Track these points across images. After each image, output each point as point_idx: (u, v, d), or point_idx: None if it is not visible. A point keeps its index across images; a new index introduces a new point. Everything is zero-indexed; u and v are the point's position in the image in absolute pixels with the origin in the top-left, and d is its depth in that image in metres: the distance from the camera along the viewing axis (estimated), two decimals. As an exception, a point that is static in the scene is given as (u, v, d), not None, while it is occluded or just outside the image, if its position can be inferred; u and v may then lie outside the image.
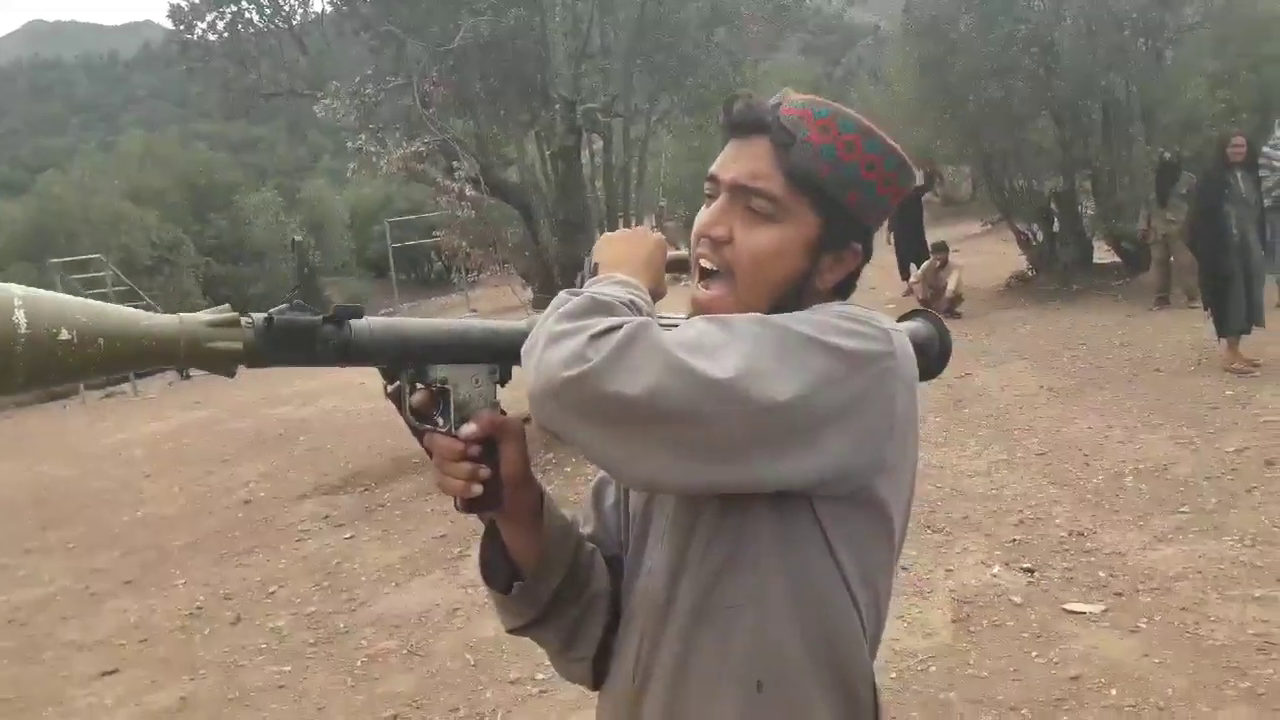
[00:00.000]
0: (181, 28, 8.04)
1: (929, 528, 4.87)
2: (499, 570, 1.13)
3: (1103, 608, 3.82)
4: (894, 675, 3.51)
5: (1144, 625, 3.63)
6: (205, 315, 0.89)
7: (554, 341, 0.89)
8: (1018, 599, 3.99)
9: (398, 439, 6.32)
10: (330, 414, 9.81)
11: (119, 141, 37.20)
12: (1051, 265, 11.76)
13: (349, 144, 7.42)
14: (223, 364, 0.91)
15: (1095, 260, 11.87)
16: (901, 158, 1.08)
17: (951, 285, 10.99)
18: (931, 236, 13.12)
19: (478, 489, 1.02)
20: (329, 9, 8.56)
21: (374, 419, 8.85)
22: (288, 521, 6.44)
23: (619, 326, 0.88)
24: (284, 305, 0.93)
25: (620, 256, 1.09)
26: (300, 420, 9.90)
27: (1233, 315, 6.85)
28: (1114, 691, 3.21)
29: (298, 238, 25.15)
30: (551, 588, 1.11)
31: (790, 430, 0.91)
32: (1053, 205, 11.90)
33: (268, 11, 8.09)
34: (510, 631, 1.17)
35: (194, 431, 10.47)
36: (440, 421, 1.02)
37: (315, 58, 8.61)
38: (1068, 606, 3.87)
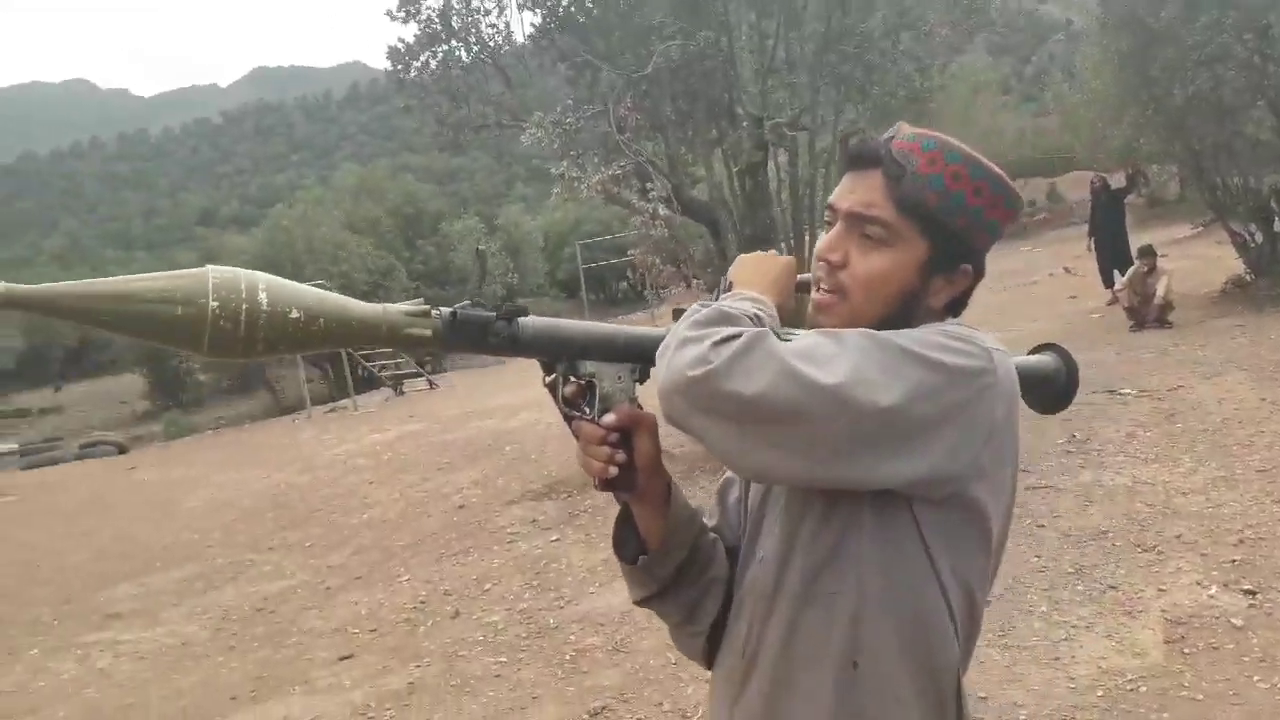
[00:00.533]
0: (399, 68, 8.73)
1: (1139, 546, 4.71)
2: (629, 546, 1.28)
3: (1335, 633, 3.61)
4: (1100, 694, 3.45)
5: (1382, 652, 3.42)
6: (404, 306, 1.10)
7: (683, 345, 1.03)
8: (1238, 621, 3.82)
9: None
10: (532, 426, 10.32)
11: (334, 176, 40.14)
12: (1272, 268, 10.90)
13: (552, 170, 7.85)
14: (416, 346, 1.12)
15: (1326, 264, 10.94)
16: (1006, 183, 1.18)
17: (1161, 292, 10.38)
18: (1137, 241, 12.44)
19: (614, 471, 1.17)
20: (528, 44, 9.03)
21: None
22: (499, 524, 6.88)
23: (740, 335, 1.01)
24: (466, 302, 1.13)
25: (751, 276, 1.23)
26: (506, 431, 10.48)
27: None
28: (1346, 719, 3.06)
29: (481, 247, 26.58)
30: (674, 565, 1.25)
31: (890, 434, 1.00)
32: (1273, 203, 11.04)
33: (475, 48, 8.65)
34: (636, 603, 1.32)
35: (410, 442, 11.26)
36: (586, 410, 1.19)
37: (517, 90, 9.14)
38: (1295, 631, 3.68)
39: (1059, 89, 23.08)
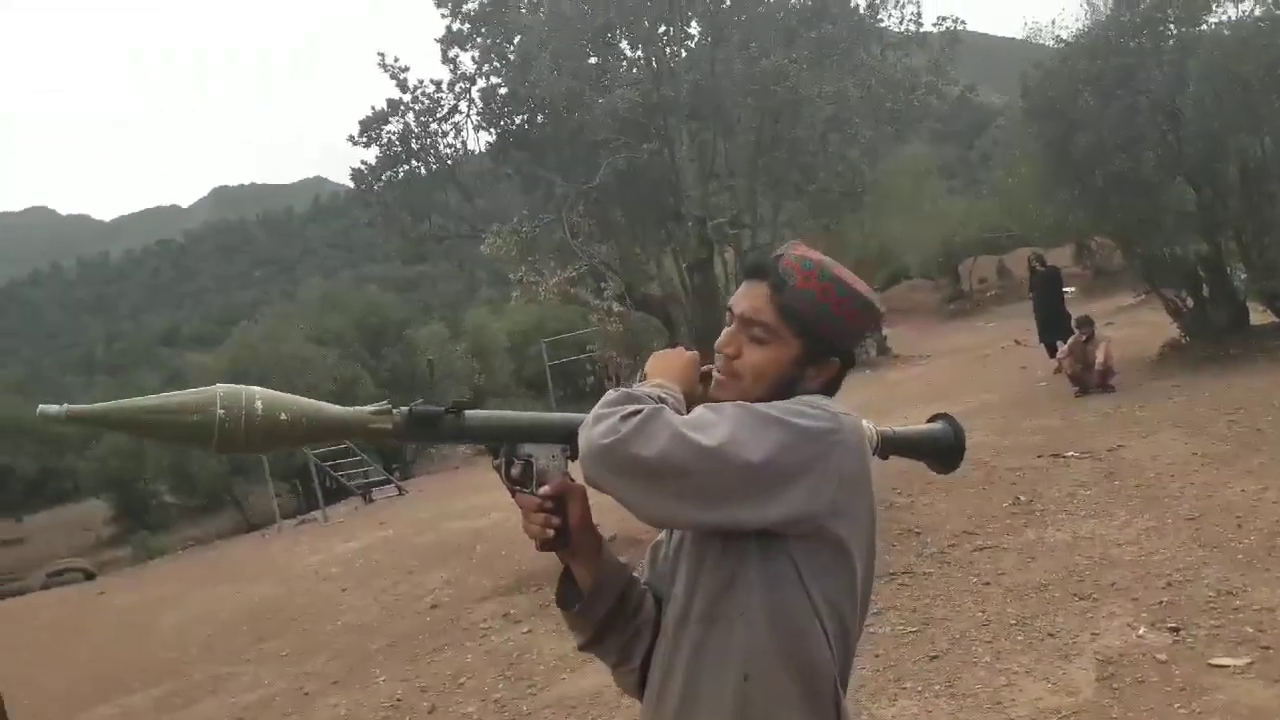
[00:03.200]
0: (363, 188, 9.17)
1: (1076, 595, 5.00)
2: (570, 597, 1.52)
3: (1248, 660, 3.89)
4: (1036, 731, 3.70)
5: (1289, 675, 3.70)
6: (369, 408, 1.41)
7: (597, 421, 1.30)
8: (1163, 656, 4.10)
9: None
10: (500, 525, 10.46)
11: (299, 290, 40.52)
12: (1205, 331, 11.44)
13: (511, 276, 8.25)
14: (380, 438, 1.43)
15: (1252, 323, 11.49)
16: (864, 298, 1.47)
17: (1100, 358, 10.85)
18: (1084, 310, 13.02)
19: (550, 533, 1.43)
20: (485, 160, 9.50)
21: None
22: (472, 621, 7.02)
23: (641, 410, 1.28)
24: (420, 400, 1.45)
25: (662, 369, 1.52)
26: (474, 531, 10.62)
27: None
28: (1253, 735, 3.33)
29: (431, 358, 26.98)
30: (605, 608, 1.48)
31: (761, 483, 1.27)
32: (1199, 270, 11.64)
33: (434, 166, 9.12)
34: (579, 648, 1.56)
35: (381, 548, 11.35)
36: (527, 485, 1.45)
37: (475, 202, 9.61)
38: (1213, 661, 3.96)
39: (994, 173, 24.02)
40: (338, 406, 1.41)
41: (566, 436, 1.47)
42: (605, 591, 1.49)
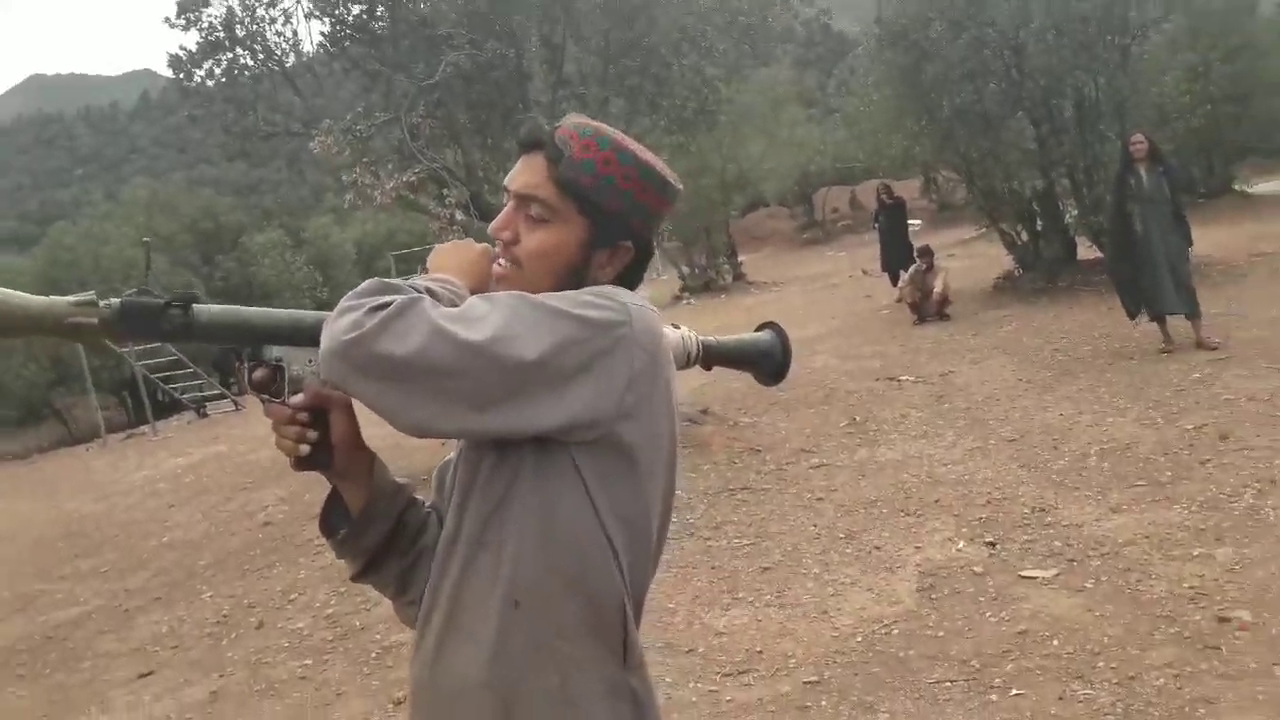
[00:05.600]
0: (181, 76, 8.44)
1: (903, 512, 5.20)
2: (338, 524, 1.34)
3: (1055, 572, 4.13)
4: (859, 639, 3.83)
5: (1090, 585, 3.94)
6: (71, 298, 1.15)
7: (343, 314, 1.09)
8: (979, 569, 4.31)
9: (404, 460, 6.68)
10: (342, 440, 10.16)
11: (124, 190, 37.82)
12: (1037, 264, 12.04)
13: (344, 178, 7.79)
14: (84, 336, 1.18)
15: (1080, 256, 12.13)
16: (656, 172, 1.30)
17: (938, 287, 11.28)
18: (928, 242, 13.47)
19: (304, 449, 1.23)
20: (319, 51, 8.92)
21: (381, 443, 9.09)
22: (306, 538, 6.76)
23: (393, 301, 1.08)
24: (134, 290, 1.18)
25: (446, 263, 1.32)
26: (313, 447, 10.26)
27: (1131, 301, 7.56)
28: (1055, 642, 3.53)
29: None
30: (378, 536, 1.32)
31: (537, 383, 1.11)
32: (1034, 205, 12.18)
33: (260, 56, 8.46)
34: (352, 579, 1.37)
35: (214, 464, 10.84)
36: (278, 394, 1.24)
37: (308, 98, 9.01)
38: (1023, 573, 4.18)
39: (849, 102, 24.36)
40: (30, 296, 1.13)
41: None
42: (376, 516, 1.32)
